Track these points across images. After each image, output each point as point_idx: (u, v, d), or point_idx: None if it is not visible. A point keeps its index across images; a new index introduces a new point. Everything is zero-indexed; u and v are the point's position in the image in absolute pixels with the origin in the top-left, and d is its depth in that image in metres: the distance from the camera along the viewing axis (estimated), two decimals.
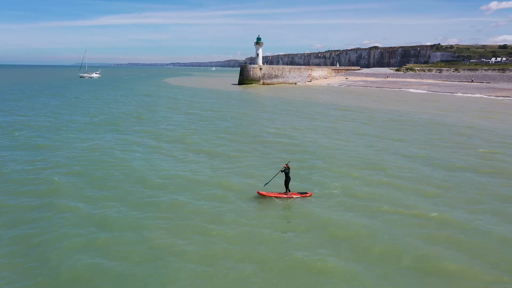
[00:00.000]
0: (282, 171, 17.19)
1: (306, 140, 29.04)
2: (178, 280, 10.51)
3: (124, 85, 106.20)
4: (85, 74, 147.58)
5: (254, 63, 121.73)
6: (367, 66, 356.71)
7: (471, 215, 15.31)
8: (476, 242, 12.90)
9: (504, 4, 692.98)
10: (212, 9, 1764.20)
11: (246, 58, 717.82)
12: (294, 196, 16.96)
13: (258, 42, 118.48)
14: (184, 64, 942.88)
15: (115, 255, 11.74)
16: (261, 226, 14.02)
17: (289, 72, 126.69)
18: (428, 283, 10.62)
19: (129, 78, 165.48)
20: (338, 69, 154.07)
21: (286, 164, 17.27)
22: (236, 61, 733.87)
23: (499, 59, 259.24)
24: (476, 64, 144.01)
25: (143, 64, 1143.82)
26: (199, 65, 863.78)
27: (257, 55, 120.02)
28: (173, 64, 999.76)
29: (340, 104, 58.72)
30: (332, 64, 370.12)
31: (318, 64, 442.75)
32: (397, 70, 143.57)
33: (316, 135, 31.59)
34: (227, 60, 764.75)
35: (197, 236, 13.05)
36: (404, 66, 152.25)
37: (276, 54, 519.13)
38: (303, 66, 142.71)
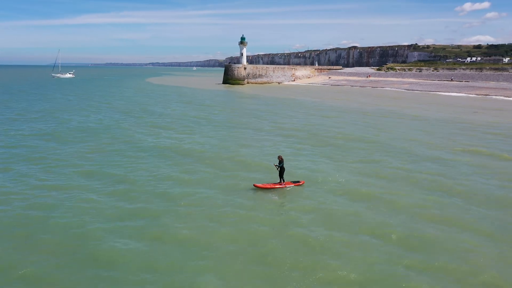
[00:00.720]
0: (278, 165, 17.79)
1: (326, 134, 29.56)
2: (183, 262, 11.29)
3: (104, 88, 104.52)
4: (58, 74, 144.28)
5: (238, 63, 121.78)
6: (347, 66, 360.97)
7: (450, 199, 16.57)
8: (454, 218, 14.67)
9: (477, 6, 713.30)
10: (191, 8, 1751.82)
11: (226, 58, 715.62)
12: (288, 185, 17.82)
13: (242, 41, 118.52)
14: (164, 64, 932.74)
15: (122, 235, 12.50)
16: (263, 212, 15.04)
17: (273, 71, 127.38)
18: (411, 255, 11.81)
19: (111, 78, 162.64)
20: (321, 69, 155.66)
21: (280, 157, 17.97)
22: (216, 60, 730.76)
23: (474, 58, 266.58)
24: (454, 64, 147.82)
25: (122, 64, 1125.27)
26: (178, 65, 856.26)
27: (241, 54, 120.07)
28: (152, 64, 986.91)
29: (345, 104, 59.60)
30: (312, 63, 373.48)
31: (298, 64, 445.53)
32: (378, 69, 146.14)
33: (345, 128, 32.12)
34: (207, 60, 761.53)
35: (204, 223, 13.90)
36: (385, 66, 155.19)
37: (256, 53, 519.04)
38: (286, 66, 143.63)
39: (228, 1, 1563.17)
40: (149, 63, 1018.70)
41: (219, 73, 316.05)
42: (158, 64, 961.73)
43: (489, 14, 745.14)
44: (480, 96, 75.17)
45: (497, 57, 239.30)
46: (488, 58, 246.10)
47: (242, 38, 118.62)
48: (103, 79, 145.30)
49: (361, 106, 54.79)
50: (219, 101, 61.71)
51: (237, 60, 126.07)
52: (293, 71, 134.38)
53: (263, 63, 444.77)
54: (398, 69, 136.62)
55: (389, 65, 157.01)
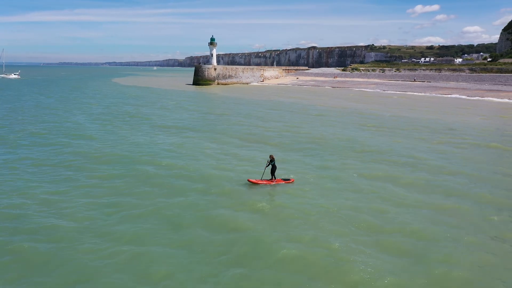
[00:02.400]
0: (269, 163, 19.27)
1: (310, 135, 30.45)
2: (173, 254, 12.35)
3: (65, 92, 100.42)
4: (1, 75, 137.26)
5: (207, 63, 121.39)
6: (306, 66, 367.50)
7: (446, 199, 17.93)
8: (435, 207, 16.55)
9: (427, 8, 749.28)
10: (149, 7, 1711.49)
11: (186, 58, 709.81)
12: (279, 182, 19.42)
13: (212, 42, 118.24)
14: (121, 64, 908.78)
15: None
16: (253, 206, 16.48)
17: (243, 72, 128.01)
18: (398, 242, 13.38)
19: (69, 78, 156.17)
20: (288, 69, 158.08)
21: (271, 156, 19.55)
22: (176, 60, 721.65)
23: (427, 59, 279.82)
24: (415, 65, 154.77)
25: (76, 64, 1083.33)
26: (136, 64, 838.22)
27: (211, 55, 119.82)
28: (109, 63, 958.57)
29: (326, 104, 61.02)
30: (272, 63, 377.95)
31: (259, 64, 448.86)
32: (343, 70, 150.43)
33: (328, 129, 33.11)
34: (166, 60, 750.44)
35: (201, 214, 15.43)
36: (350, 66, 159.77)
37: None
38: (255, 67, 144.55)
39: (187, 0, 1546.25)
40: (106, 63, 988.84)
41: (182, 72, 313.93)
42: (115, 63, 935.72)
43: (439, 16, 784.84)
44: (444, 96, 79.48)
45: (449, 58, 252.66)
46: (440, 58, 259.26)
47: (212, 39, 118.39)
48: (59, 80, 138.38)
49: (356, 108, 56.55)
50: (206, 106, 61.42)
51: (201, 60, 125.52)
52: (262, 72, 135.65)
53: (224, 63, 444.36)
54: (362, 69, 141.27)
55: (354, 65, 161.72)
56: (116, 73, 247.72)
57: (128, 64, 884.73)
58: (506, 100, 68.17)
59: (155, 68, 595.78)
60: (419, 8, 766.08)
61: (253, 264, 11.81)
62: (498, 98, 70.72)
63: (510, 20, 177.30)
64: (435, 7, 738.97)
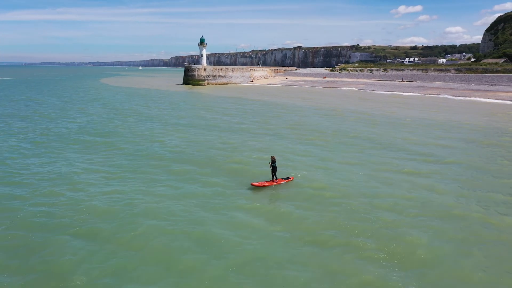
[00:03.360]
0: (272, 164, 20.00)
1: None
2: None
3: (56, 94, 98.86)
4: None
5: (197, 63, 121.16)
6: (292, 65, 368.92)
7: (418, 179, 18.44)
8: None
9: (410, 9, 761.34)
10: (133, 6, 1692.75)
11: (171, 58, 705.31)
12: (280, 182, 20.21)
13: (202, 42, 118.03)
14: (105, 63, 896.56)
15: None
16: (259, 206, 17.29)
17: (232, 72, 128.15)
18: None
19: (54, 79, 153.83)
20: (277, 69, 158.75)
21: (272, 157, 20.27)
22: (161, 60, 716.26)
23: (412, 59, 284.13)
24: (402, 65, 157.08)
25: (59, 63, 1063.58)
26: (121, 64, 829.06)
27: (201, 55, 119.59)
28: (93, 63, 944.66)
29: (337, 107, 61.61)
30: (258, 63, 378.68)
31: (245, 64, 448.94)
32: (332, 70, 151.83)
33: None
34: (151, 60, 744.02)
35: (210, 215, 15.99)
36: (338, 66, 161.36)
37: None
38: (245, 67, 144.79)
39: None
40: (89, 62, 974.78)
41: (169, 72, 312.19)
42: (99, 63, 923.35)
43: (422, 17, 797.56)
44: (434, 95, 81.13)
45: (433, 58, 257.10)
46: (424, 58, 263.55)
47: (202, 39, 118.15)
48: (42, 80, 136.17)
49: (356, 109, 57.30)
50: (206, 106, 61.44)
51: (187, 59, 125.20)
52: (251, 72, 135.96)
53: (209, 63, 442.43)
54: (350, 70, 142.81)
55: (342, 66, 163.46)
56: (102, 73, 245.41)
57: (112, 64, 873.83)
58: (500, 101, 69.94)
59: (140, 68, 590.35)
60: (402, 8, 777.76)
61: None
62: (490, 99, 72.43)
63: (492, 21, 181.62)
64: (418, 7, 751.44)
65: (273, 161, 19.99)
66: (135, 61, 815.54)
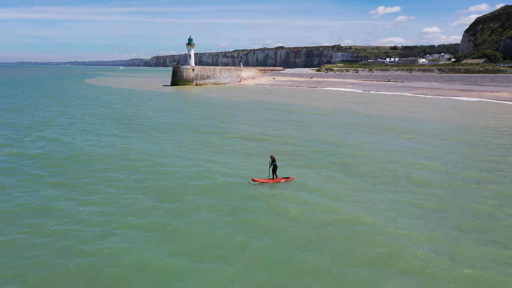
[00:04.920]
0: (271, 163, 20.83)
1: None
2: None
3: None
4: None
5: (186, 64, 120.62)
6: (274, 65, 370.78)
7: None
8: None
9: (389, 9, 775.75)
10: (112, 5, 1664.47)
11: (152, 57, 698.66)
12: (280, 180, 21.03)
13: (190, 43, 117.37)
14: (84, 63, 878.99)
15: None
16: (258, 202, 18.18)
17: (220, 72, 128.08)
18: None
19: (34, 80, 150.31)
20: (264, 70, 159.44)
21: (271, 156, 21.08)
22: (141, 60, 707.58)
23: (392, 59, 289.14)
24: (386, 65, 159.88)
25: (36, 63, 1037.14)
26: (100, 64, 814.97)
27: (190, 56, 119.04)
28: (71, 63, 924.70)
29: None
30: (240, 63, 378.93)
31: (227, 64, 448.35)
32: (318, 70, 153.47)
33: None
34: (131, 59, 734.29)
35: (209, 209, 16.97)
36: (324, 66, 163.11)
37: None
38: (232, 67, 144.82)
39: None
40: (67, 62, 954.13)
41: (151, 72, 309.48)
42: (77, 63, 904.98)
43: (400, 17, 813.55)
44: (421, 95, 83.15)
45: (413, 58, 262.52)
46: (405, 58, 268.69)
47: (190, 40, 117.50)
48: (18, 81, 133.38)
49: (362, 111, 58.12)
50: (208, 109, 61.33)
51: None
52: (239, 72, 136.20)
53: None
54: (336, 70, 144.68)
55: (327, 66, 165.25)
56: (83, 74, 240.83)
57: (91, 63, 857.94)
58: (487, 100, 72.21)
59: (121, 68, 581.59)
60: (381, 9, 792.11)
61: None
62: (476, 98, 74.71)
63: (467, 21, 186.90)
64: (396, 8, 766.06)
65: (273, 160, 20.77)
66: (115, 60, 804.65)
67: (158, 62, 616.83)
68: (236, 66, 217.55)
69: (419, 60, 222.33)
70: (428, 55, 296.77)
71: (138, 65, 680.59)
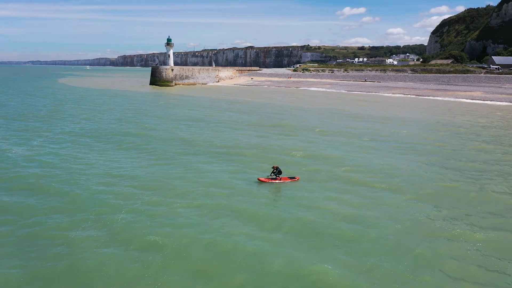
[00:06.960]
0: (274, 173, 21.40)
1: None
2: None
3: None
4: None
5: (164, 64, 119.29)
6: (244, 65, 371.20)
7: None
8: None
9: (355, 10, 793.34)
10: (75, 2, 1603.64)
11: (118, 56, 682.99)
12: (286, 180, 21.61)
13: (168, 43, 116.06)
14: (46, 63, 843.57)
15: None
16: (263, 198, 19.33)
17: (199, 73, 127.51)
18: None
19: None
20: (242, 70, 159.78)
21: (274, 167, 21.58)
22: (107, 59, 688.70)
23: (360, 59, 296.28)
24: (361, 65, 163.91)
25: None
26: (64, 63, 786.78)
27: (168, 56, 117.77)
28: (33, 62, 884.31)
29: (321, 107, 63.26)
30: (210, 63, 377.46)
31: (196, 63, 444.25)
32: (294, 70, 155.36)
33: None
34: (97, 59, 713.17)
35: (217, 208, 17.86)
36: (300, 67, 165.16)
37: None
38: (210, 68, 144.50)
39: None
40: (29, 61, 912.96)
41: (121, 72, 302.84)
42: (39, 62, 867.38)
43: (365, 18, 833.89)
44: (397, 95, 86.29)
45: (380, 58, 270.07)
46: (373, 59, 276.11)
47: (168, 40, 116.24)
48: None
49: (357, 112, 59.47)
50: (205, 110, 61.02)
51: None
52: (217, 73, 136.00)
53: (159, 63, 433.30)
54: (312, 70, 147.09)
55: (303, 65, 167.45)
56: (50, 73, 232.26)
57: (54, 63, 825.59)
58: (462, 100, 75.83)
59: (88, 67, 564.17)
60: (347, 10, 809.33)
61: None
62: (451, 98, 78.33)
63: (429, 23, 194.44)
64: (362, 9, 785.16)
65: (276, 169, 21.29)
66: (80, 60, 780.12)
67: (125, 61, 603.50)
68: (206, 65, 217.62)
69: (386, 60, 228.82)
70: (394, 55, 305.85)
71: (104, 64, 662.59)
